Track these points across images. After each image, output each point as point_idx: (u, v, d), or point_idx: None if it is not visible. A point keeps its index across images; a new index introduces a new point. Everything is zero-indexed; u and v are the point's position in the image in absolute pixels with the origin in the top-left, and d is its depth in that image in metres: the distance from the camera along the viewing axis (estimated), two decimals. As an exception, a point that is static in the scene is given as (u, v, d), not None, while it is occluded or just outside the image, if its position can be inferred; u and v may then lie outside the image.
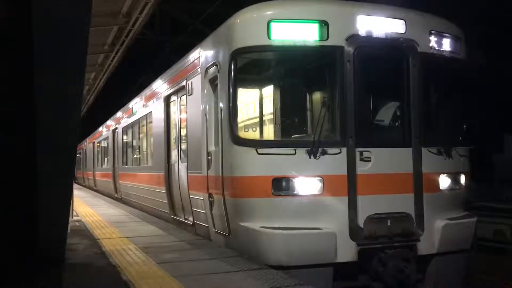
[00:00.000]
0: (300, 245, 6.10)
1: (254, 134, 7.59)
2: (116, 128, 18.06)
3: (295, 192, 6.23)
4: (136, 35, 14.03)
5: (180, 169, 9.41)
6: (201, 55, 8.11)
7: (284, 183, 6.23)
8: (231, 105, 6.54)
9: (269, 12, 6.48)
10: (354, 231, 6.25)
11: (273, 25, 6.32)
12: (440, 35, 7.04)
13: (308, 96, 7.39)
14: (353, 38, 6.47)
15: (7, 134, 3.84)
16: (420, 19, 7.04)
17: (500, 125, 18.46)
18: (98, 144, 24.24)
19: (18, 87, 3.75)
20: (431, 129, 7.10)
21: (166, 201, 10.25)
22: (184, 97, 9.08)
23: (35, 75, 3.56)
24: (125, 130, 16.58)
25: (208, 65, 7.60)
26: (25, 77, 3.61)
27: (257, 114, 7.71)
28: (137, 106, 14.19)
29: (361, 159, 6.37)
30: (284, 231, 6.14)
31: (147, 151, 13.28)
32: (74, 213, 11.64)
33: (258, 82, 7.60)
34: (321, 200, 6.27)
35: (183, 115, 9.33)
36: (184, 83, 8.95)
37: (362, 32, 6.54)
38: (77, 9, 3.55)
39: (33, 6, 3.38)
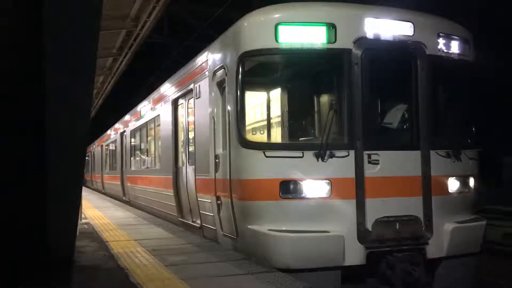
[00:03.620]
0: (308, 248, 6.09)
1: (261, 137, 7.59)
2: (124, 131, 18.14)
3: (303, 195, 6.22)
4: (144, 39, 14.11)
5: (188, 172, 9.43)
6: (209, 58, 8.13)
7: (291, 186, 6.22)
8: (238, 108, 6.56)
9: (276, 15, 6.48)
10: (362, 234, 6.23)
11: (280, 28, 6.33)
12: (448, 37, 7.01)
13: (315, 98, 7.38)
14: (361, 40, 6.46)
15: (17, 136, 3.87)
16: (428, 21, 7.02)
17: (509, 127, 18.32)
18: (106, 147, 24.34)
19: (29, 89, 3.78)
20: (440, 132, 7.07)
21: (174, 204, 10.28)
22: (191, 100, 9.11)
23: (45, 77, 3.60)
24: (133, 133, 16.65)
25: (215, 68, 7.62)
26: (35, 79, 3.64)
27: (265, 117, 7.72)
28: (145, 109, 14.24)
29: (369, 162, 6.35)
30: (292, 234, 6.13)
31: (155, 154, 13.32)
32: (83, 216, 11.71)
33: (266, 85, 7.61)
34: (329, 203, 6.25)
35: (191, 118, 9.35)
36: (192, 86, 8.98)
37: (370, 34, 6.52)
38: (88, 13, 3.58)
39: (44, 9, 3.42)
